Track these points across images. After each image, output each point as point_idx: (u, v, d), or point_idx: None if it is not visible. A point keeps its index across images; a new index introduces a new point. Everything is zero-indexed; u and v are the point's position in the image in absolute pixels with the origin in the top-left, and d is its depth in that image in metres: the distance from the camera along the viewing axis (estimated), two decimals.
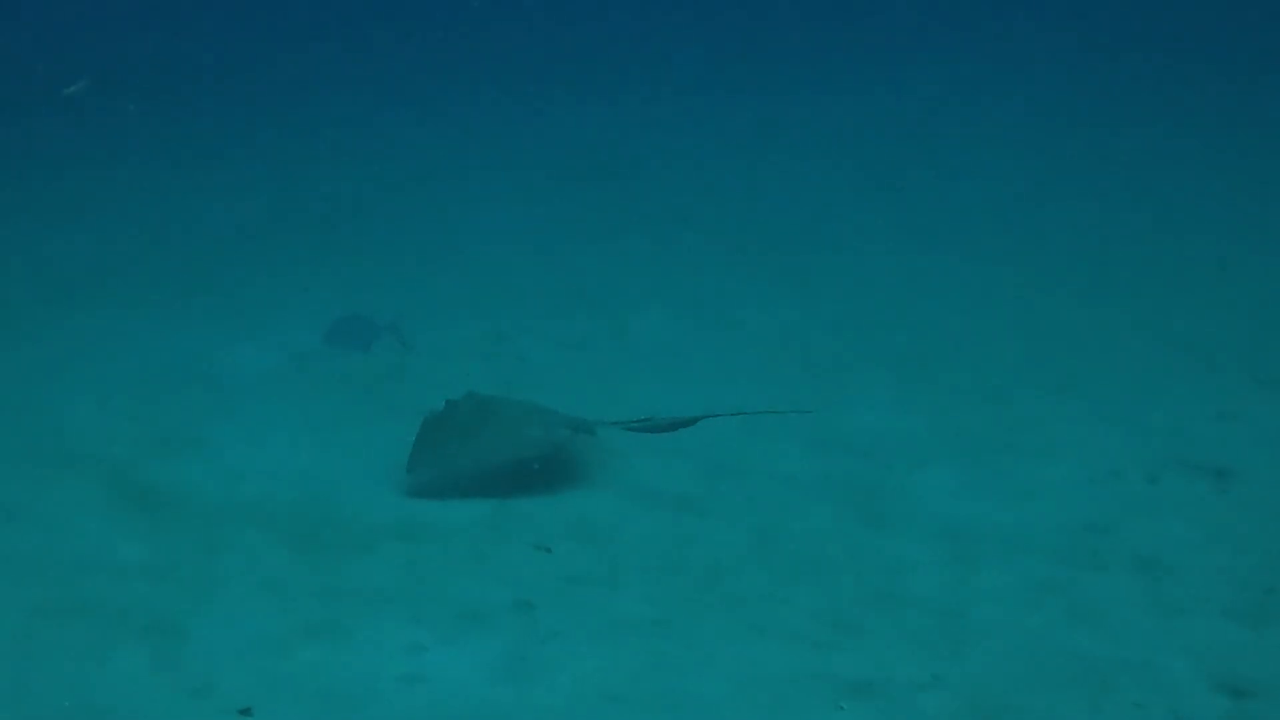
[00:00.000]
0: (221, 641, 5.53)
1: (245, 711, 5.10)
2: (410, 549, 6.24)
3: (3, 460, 7.20)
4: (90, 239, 11.89)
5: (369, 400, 8.08)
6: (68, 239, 11.87)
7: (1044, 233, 11.53)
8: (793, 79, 19.38)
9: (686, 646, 5.48)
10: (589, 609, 5.76)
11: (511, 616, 5.69)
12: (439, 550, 6.23)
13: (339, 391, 8.28)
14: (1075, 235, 11.38)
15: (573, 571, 6.06)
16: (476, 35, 22.94)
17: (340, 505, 6.67)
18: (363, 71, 20.89)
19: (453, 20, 23.85)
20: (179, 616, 5.70)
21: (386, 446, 7.27)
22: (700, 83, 18.76)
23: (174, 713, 5.08)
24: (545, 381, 8.17)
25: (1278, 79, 17.42)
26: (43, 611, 5.76)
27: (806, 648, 5.48)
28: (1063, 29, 21.85)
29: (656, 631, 5.59)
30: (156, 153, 15.76)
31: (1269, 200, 12.04)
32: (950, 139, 15.31)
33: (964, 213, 12.20)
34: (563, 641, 5.51)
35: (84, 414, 7.84)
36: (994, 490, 6.81)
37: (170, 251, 11.60)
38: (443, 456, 6.84)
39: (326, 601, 5.81)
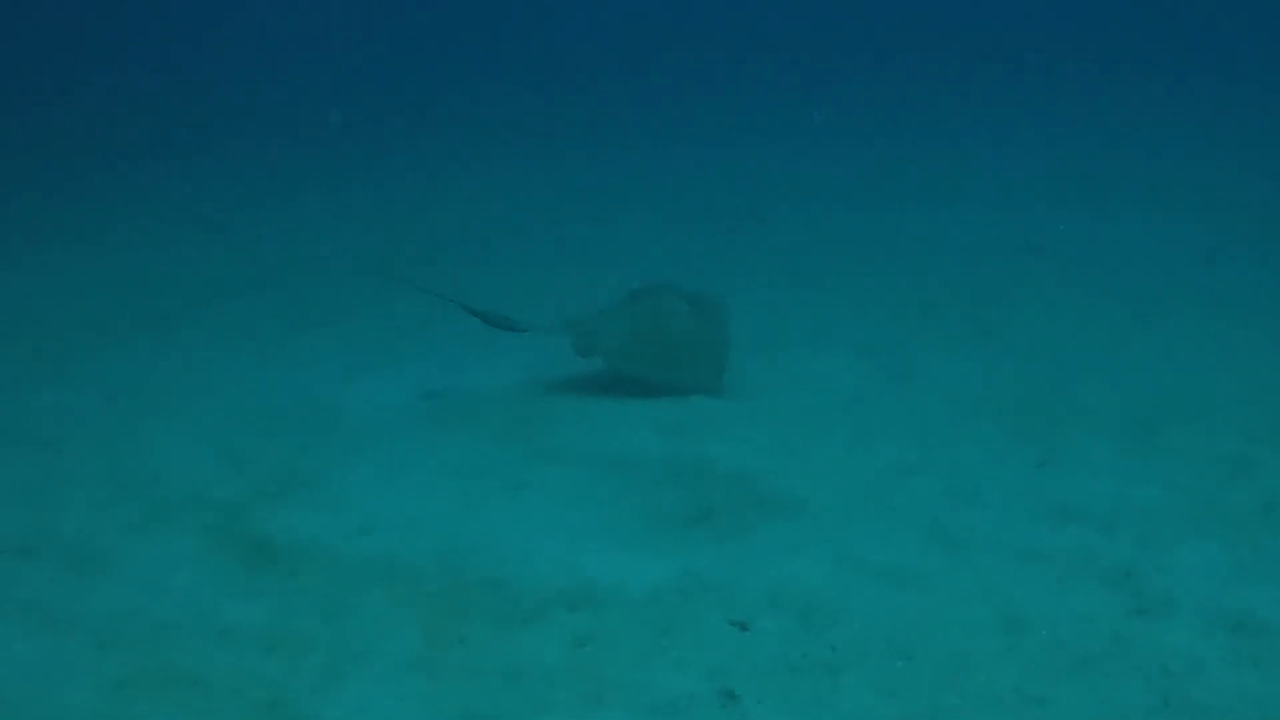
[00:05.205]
0: None
1: None
2: (582, 620, 5.08)
3: (88, 505, 6.14)
4: (213, 260, 11.20)
5: (511, 443, 6.95)
6: (162, 266, 11.05)
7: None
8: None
9: None
10: (807, 700, 4.59)
11: (713, 709, 4.54)
12: (616, 623, 5.07)
13: (471, 431, 7.19)
14: None
15: (782, 655, 4.88)
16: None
17: (488, 563, 5.53)
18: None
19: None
20: (302, 697, 4.59)
21: (538, 497, 6.20)
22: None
23: None
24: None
25: None
26: (133, 683, 4.67)
27: None
28: None
29: None
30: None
31: None
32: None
33: (1161, 260, 11.06)
34: None
35: (180, 454, 6.75)
36: (1271, 575, 5.59)
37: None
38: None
39: (484, 683, 4.66)
